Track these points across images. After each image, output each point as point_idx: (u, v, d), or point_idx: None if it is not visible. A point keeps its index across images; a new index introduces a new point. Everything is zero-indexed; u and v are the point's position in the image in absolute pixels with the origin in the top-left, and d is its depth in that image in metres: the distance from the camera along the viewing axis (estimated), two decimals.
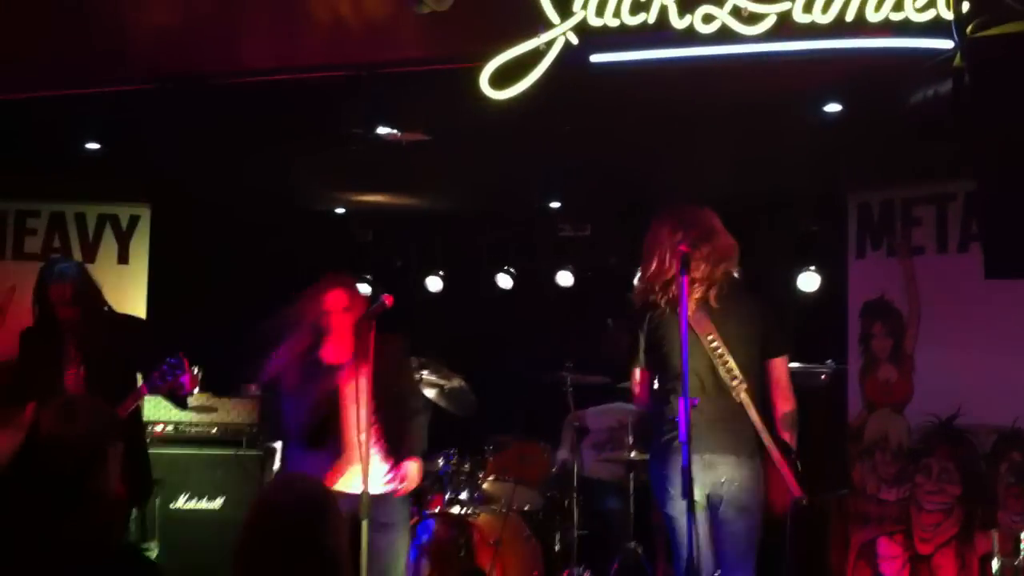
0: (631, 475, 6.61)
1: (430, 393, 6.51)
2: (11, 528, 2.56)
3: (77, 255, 6.57)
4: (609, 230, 7.36)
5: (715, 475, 4.05)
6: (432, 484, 6.44)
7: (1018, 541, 3.15)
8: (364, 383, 4.12)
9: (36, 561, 2.52)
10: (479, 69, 3.74)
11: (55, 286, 4.99)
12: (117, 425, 2.93)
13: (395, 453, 4.51)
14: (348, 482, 4.40)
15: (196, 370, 5.10)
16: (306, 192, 6.93)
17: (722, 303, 4.08)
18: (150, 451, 5.66)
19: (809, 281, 6.77)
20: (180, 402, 5.36)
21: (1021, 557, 3.14)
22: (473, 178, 6.30)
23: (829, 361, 6.37)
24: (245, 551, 2.35)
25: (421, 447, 4.65)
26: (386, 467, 4.51)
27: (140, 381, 4.96)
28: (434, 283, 8.10)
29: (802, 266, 6.72)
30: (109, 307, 5.22)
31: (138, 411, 5.19)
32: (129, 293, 6.53)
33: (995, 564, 3.17)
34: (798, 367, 6.36)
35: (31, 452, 2.72)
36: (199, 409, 6.79)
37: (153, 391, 4.96)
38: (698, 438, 3.78)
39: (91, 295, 5.13)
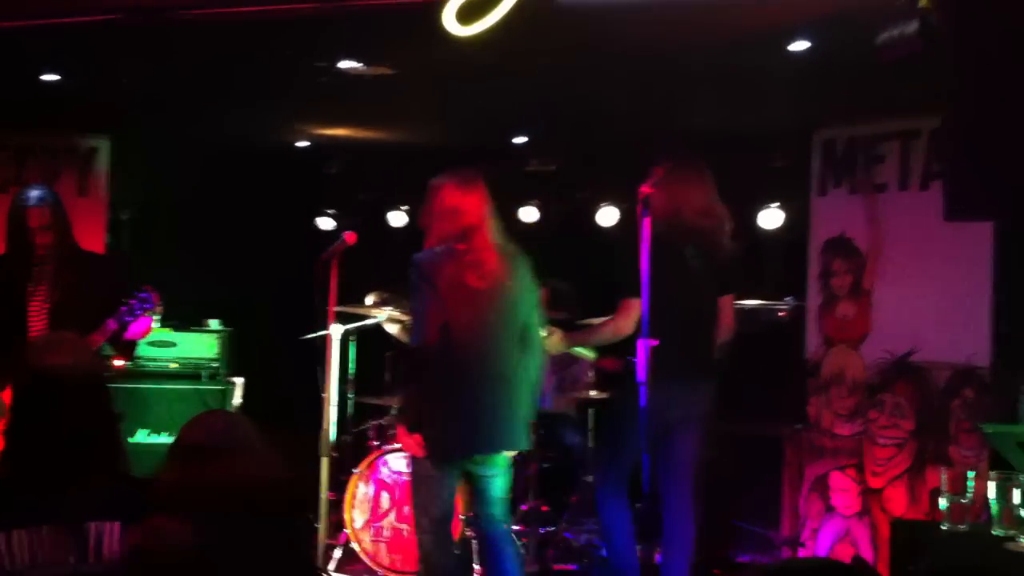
0: (590, 411, 6.71)
1: (392, 329, 6.52)
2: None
3: None
4: (576, 166, 7.35)
5: None
6: (393, 419, 6.47)
7: (966, 479, 3.22)
8: None
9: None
10: (444, 4, 3.69)
11: (34, 210, 4.93)
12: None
13: None
14: None
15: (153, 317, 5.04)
16: (269, 124, 6.85)
17: None
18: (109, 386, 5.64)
19: (771, 218, 6.83)
20: (127, 350, 5.30)
21: (968, 496, 3.22)
22: (438, 112, 6.25)
23: (788, 297, 6.45)
24: (169, 490, 2.37)
25: None
26: None
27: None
28: (398, 218, 8.07)
29: (764, 203, 6.78)
30: (77, 244, 5.18)
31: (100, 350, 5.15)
32: (88, 226, 6.44)
33: (943, 502, 3.24)
34: (758, 304, 6.48)
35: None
36: (158, 344, 6.78)
37: (121, 326, 4.90)
38: None
39: (66, 224, 5.09)
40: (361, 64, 4.86)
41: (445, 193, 4.33)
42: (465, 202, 4.31)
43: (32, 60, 5.15)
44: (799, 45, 4.36)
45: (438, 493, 4.34)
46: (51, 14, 4.37)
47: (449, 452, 4.32)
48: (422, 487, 4.35)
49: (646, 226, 3.76)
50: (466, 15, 3.66)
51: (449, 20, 3.67)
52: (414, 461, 4.39)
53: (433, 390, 4.24)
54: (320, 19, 4.29)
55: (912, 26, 3.28)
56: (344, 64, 4.88)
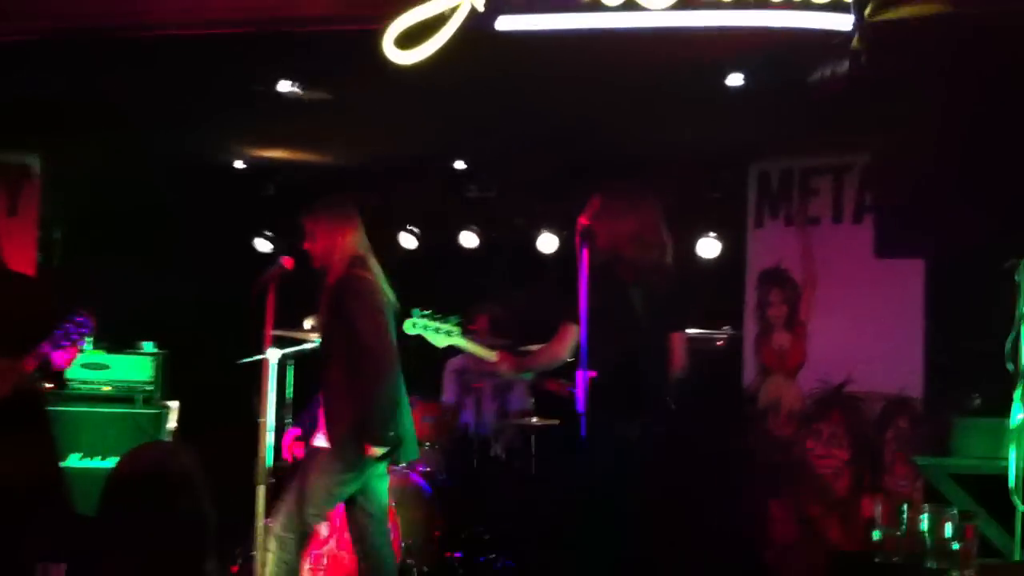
0: (532, 438, 6.69)
1: None
2: None
3: None
4: (516, 192, 7.35)
5: None
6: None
7: (901, 512, 3.25)
8: None
9: None
10: (383, 32, 3.69)
11: None
12: None
13: None
14: None
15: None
16: (206, 144, 6.77)
17: None
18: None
19: (709, 247, 6.88)
20: (57, 377, 5.20)
21: (902, 528, 3.24)
22: (377, 136, 6.22)
23: (726, 327, 6.49)
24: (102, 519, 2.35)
25: None
26: None
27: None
28: None
29: (703, 232, 6.83)
30: (5, 265, 5.08)
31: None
32: (18, 244, 6.30)
33: (876, 533, 3.26)
34: (697, 332, 6.51)
35: None
36: (91, 366, 6.66)
37: (56, 350, 4.80)
38: None
39: None
40: (299, 88, 4.83)
41: (340, 224, 4.59)
42: (356, 232, 4.60)
43: None
44: (734, 79, 4.41)
45: (340, 496, 4.49)
46: None
47: (395, 457, 4.53)
48: (333, 486, 4.44)
49: (584, 257, 3.76)
50: (405, 42, 3.66)
51: (389, 47, 3.66)
52: (328, 459, 4.46)
53: (387, 400, 4.44)
54: (259, 42, 4.27)
55: (843, 65, 3.33)
56: (282, 87, 4.85)
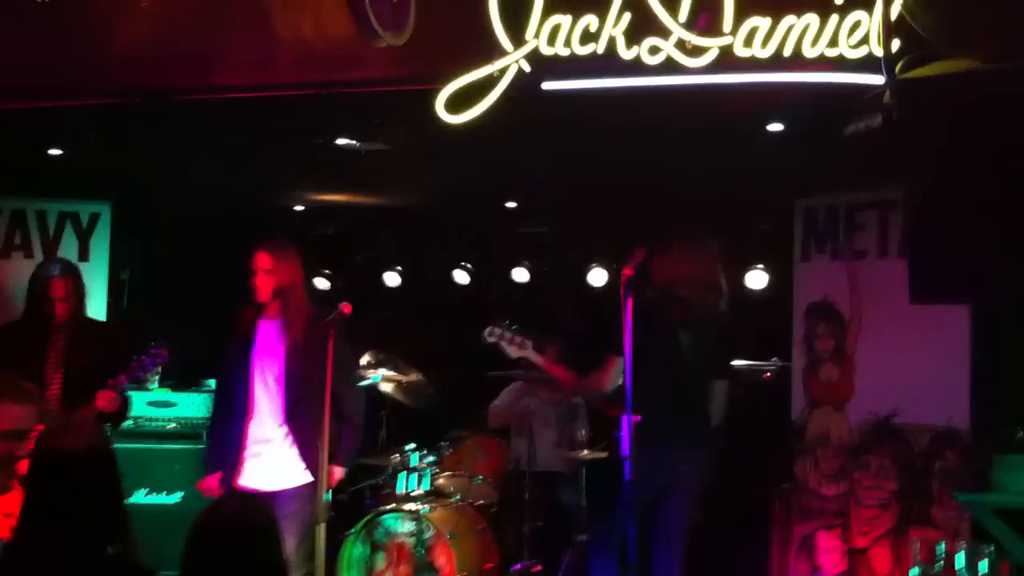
0: (583, 470, 6.80)
1: (387, 387, 6.64)
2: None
3: (38, 252, 6.63)
4: (566, 228, 7.50)
5: None
6: (388, 478, 6.58)
7: (935, 551, 3.35)
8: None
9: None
10: (436, 92, 3.87)
11: (57, 281, 5.12)
12: None
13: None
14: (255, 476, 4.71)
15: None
16: (267, 190, 7.02)
17: None
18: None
19: (756, 280, 6.98)
20: (116, 420, 5.47)
21: (939, 565, 3.34)
22: (430, 182, 6.42)
23: (774, 359, 6.58)
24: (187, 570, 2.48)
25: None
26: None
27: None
28: (392, 278, 8.22)
29: (750, 265, 6.93)
30: (87, 316, 5.36)
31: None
32: (90, 289, 6.55)
33: (913, 572, 3.37)
34: (745, 364, 6.60)
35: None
36: (158, 404, 6.88)
37: (132, 380, 5.08)
38: None
39: (82, 297, 5.29)
40: (356, 141, 5.03)
41: (297, 260, 4.85)
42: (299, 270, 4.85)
43: (40, 136, 5.32)
44: (773, 127, 4.53)
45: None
46: (61, 96, 4.55)
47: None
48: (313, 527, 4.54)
49: (629, 306, 3.91)
50: (456, 104, 3.84)
51: (441, 109, 3.84)
52: (307, 503, 4.63)
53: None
54: (319, 101, 4.46)
55: (877, 119, 3.46)
56: (341, 141, 5.05)
